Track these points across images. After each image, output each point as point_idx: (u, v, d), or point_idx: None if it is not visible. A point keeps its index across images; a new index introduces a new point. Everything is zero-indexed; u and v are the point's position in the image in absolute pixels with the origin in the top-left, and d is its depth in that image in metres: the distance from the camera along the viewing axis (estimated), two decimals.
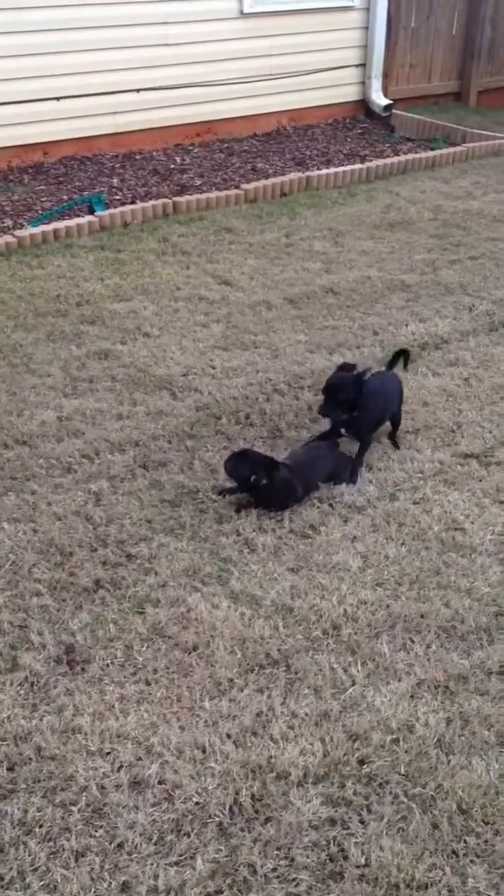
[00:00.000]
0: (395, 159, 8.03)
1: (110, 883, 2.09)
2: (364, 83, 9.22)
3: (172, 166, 7.64)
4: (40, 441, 3.87)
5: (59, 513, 3.42)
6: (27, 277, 5.52)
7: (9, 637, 2.85)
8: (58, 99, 7.26)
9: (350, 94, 9.23)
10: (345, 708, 2.56)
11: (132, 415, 4.08)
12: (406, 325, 5.05)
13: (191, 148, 8.09)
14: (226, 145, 8.25)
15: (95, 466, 3.70)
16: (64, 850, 2.17)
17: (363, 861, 2.10)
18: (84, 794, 2.31)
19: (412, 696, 2.60)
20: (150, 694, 2.62)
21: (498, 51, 10.55)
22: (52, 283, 5.43)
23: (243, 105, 8.38)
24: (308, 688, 2.63)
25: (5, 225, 6.22)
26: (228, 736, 2.45)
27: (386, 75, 9.34)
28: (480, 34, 10.16)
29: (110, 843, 2.18)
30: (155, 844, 2.17)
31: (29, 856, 2.16)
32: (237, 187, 7.08)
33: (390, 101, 9.23)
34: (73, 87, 7.29)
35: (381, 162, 7.90)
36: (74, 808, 2.27)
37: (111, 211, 6.42)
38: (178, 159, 7.82)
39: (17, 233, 6.00)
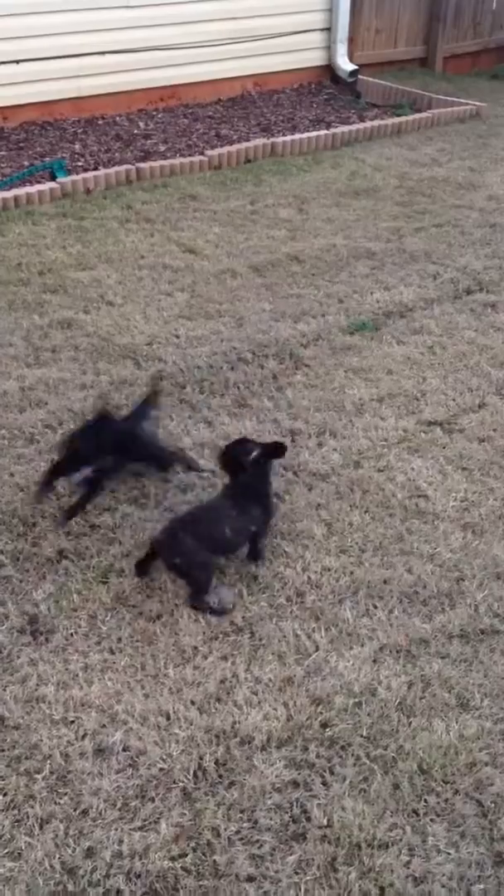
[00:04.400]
0: (361, 126, 7.96)
1: (74, 848, 2.10)
2: (329, 48, 9.10)
3: (136, 132, 7.51)
4: (2, 411, 3.82)
5: (21, 483, 3.39)
6: None
7: None
8: (17, 62, 7.09)
9: (315, 59, 9.11)
10: (308, 673, 2.58)
11: (96, 384, 4.04)
12: (371, 294, 5.04)
13: (154, 113, 7.96)
14: (190, 111, 8.13)
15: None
16: (28, 817, 2.18)
17: (325, 822, 2.13)
18: (48, 762, 2.32)
19: (375, 661, 2.63)
20: (114, 662, 2.62)
21: (464, 16, 10.47)
22: (13, 252, 5.34)
23: (207, 69, 8.24)
24: (272, 654, 2.65)
25: None
26: (192, 702, 2.46)
27: (351, 40, 9.23)
28: None
29: (75, 810, 2.20)
30: (119, 810, 2.19)
31: None
32: (201, 154, 6.98)
33: (356, 67, 9.14)
34: (33, 49, 7.12)
35: (346, 128, 7.83)
36: (39, 776, 2.28)
37: (73, 177, 6.30)
38: (141, 125, 7.69)
39: None
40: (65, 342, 4.39)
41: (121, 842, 2.11)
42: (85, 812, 2.19)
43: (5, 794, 2.24)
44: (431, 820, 2.15)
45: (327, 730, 2.39)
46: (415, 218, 6.18)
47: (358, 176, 6.96)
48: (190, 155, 6.96)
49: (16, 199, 5.94)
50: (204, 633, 2.72)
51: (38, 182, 6.22)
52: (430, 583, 2.96)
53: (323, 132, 7.67)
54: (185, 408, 3.89)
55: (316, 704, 2.46)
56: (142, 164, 6.61)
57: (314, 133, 7.63)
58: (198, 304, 4.83)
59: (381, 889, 1.98)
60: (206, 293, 4.95)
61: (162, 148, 7.17)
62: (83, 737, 2.39)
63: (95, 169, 6.57)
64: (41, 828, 2.16)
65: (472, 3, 10.52)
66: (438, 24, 10.11)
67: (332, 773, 2.27)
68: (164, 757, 2.31)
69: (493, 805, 2.20)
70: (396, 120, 8.17)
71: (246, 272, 5.23)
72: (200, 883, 2.00)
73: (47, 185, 6.12)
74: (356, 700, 2.49)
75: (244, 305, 4.83)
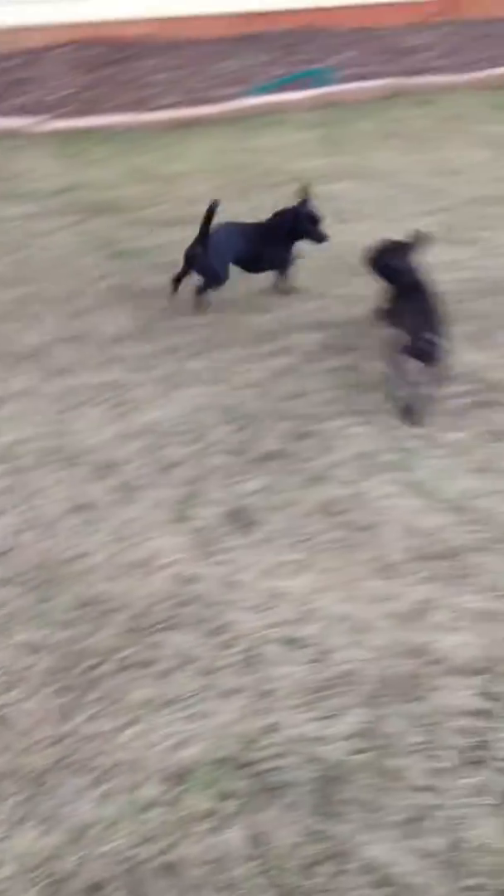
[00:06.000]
0: None
1: (256, 722, 2.18)
2: None
3: (409, 45, 7.24)
4: (233, 311, 3.91)
5: (248, 380, 3.47)
6: (243, 149, 5.48)
7: (184, 490, 2.96)
8: None
9: None
10: None
11: (326, 298, 4.03)
12: None
13: (436, 27, 7.59)
14: (479, 25, 7.66)
15: (287, 342, 3.71)
16: (217, 686, 2.29)
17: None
18: (241, 640, 2.41)
19: None
20: (315, 563, 2.66)
21: None
22: (266, 157, 5.38)
23: None
24: (475, 585, 2.58)
25: (227, 94, 6.17)
26: (390, 615, 2.46)
27: None
28: None
29: (260, 689, 2.27)
30: (304, 698, 2.24)
31: (185, 685, 2.29)
32: (482, 71, 6.60)
33: None
34: None
35: None
36: (230, 651, 2.38)
37: (337, 87, 6.22)
38: (417, 38, 7.39)
39: (238, 102, 5.94)
40: (307, 251, 4.38)
41: (301, 727, 2.16)
42: (270, 692, 2.26)
43: (199, 661, 2.36)
44: None
45: None
46: None
47: None
48: (468, 72, 6.61)
49: (277, 104, 5.95)
50: (409, 552, 2.69)
51: (301, 89, 6.19)
52: None
53: None
54: None
55: None
56: (411, 80, 6.38)
57: None
58: (450, 228, 4.66)
59: None
60: (461, 219, 4.76)
61: (438, 63, 6.87)
62: (277, 625, 2.46)
63: (362, 80, 6.42)
64: (227, 697, 2.26)
65: None
66: None
67: None
68: (354, 659, 2.33)
69: None
70: None
71: None
72: (373, 781, 2.02)
73: (309, 93, 6.07)
74: None
75: (499, 234, 4.60)
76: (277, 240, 4.02)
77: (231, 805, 2.00)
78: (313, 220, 3.99)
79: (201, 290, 3.92)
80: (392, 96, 6.28)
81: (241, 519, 2.85)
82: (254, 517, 2.85)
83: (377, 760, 2.07)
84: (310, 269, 4.24)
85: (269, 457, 3.11)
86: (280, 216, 4.03)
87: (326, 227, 4.12)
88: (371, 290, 4.04)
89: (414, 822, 1.94)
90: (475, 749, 2.11)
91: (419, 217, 4.76)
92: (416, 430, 3.20)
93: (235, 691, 2.28)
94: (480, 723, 2.17)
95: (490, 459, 3.09)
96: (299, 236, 4.04)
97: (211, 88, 6.30)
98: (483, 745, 2.11)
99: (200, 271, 3.91)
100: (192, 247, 3.88)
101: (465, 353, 3.62)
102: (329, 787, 2.03)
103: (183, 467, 3.07)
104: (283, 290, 4.12)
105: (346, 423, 3.26)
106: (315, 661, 2.35)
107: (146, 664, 2.36)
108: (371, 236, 4.50)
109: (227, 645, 2.40)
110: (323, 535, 2.77)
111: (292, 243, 4.06)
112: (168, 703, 2.24)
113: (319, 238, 4.02)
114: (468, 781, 2.02)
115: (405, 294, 3.36)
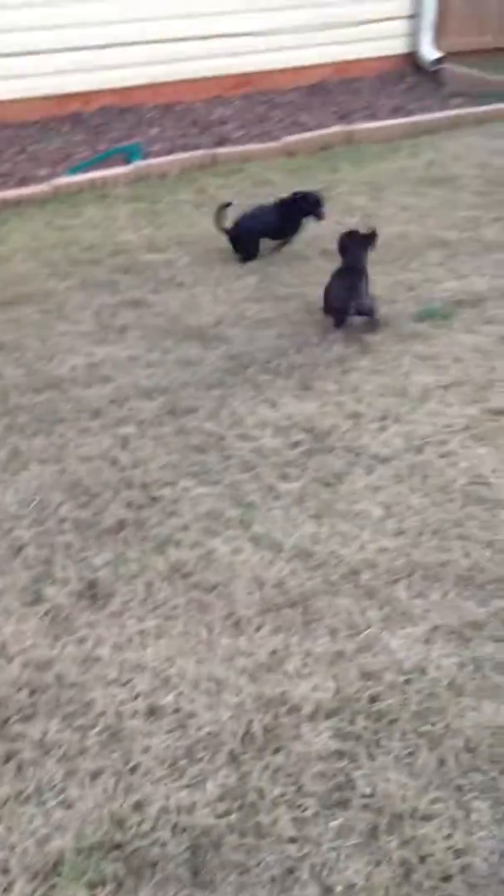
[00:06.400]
0: (443, 114, 7.86)
1: (123, 802, 2.16)
2: (414, 36, 9.00)
3: (212, 118, 7.58)
4: (70, 386, 3.93)
5: (86, 455, 3.48)
6: (62, 227, 5.55)
7: (34, 571, 2.93)
8: (99, 48, 7.22)
9: (399, 46, 9.02)
10: (360, 649, 2.59)
11: (162, 363, 4.12)
12: (442, 282, 4.99)
13: (232, 100, 8.01)
14: (268, 98, 8.16)
15: (124, 412, 3.75)
16: (80, 770, 2.25)
17: (369, 791, 2.15)
18: (101, 719, 2.39)
19: (426, 641, 2.63)
20: (168, 629, 2.68)
21: None
22: (87, 233, 5.47)
23: (287, 57, 8.26)
24: (324, 628, 2.67)
25: (42, 174, 6.25)
26: (244, 670, 2.51)
27: (438, 28, 9.11)
28: None
29: (125, 766, 2.26)
30: (168, 768, 2.24)
31: (47, 775, 2.24)
32: (277, 140, 7.01)
33: (441, 55, 9.02)
34: (112, 36, 7.24)
35: (427, 117, 7.75)
36: (92, 732, 2.35)
37: (149, 162, 6.41)
38: (218, 111, 7.75)
39: (54, 182, 6.02)
40: (134, 321, 4.48)
41: (168, 798, 2.16)
42: (135, 769, 2.25)
43: (60, 747, 2.32)
44: (475, 797, 2.15)
45: (375, 704, 2.40)
46: (493, 208, 6.08)
47: (436, 164, 6.89)
48: (265, 141, 6.99)
49: (91, 181, 6.08)
50: (258, 604, 2.76)
51: (114, 166, 6.35)
52: (488, 568, 2.94)
53: (402, 120, 7.62)
54: (248, 388, 3.93)
55: (365, 679, 2.48)
56: (217, 150, 6.67)
57: (393, 121, 7.58)
58: (267, 286, 4.87)
59: (421, 858, 1.99)
60: (277, 276, 4.99)
61: (238, 134, 7.23)
62: (136, 697, 2.45)
63: (171, 154, 6.66)
64: (92, 780, 2.23)
65: None
66: None
67: (378, 745, 2.28)
68: (214, 720, 2.35)
69: None
70: (480, 109, 8.03)
71: (316, 257, 5.24)
72: (243, 841, 2.04)
73: (123, 169, 6.23)
74: (406, 677, 2.49)
75: (313, 290, 4.83)
76: (292, 215, 5.27)
77: (104, 892, 1.97)
78: (318, 203, 5.25)
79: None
80: (203, 166, 6.55)
81: (93, 594, 2.84)
82: (106, 590, 2.85)
83: (245, 819, 2.10)
84: (145, 332, 4.33)
85: (115, 528, 3.13)
86: (293, 197, 5.26)
87: (157, 291, 4.20)
88: (199, 354, 4.17)
89: (286, 876, 1.97)
90: (338, 790, 2.17)
91: (243, 276, 4.96)
92: (253, 485, 3.30)
93: (99, 772, 2.26)
94: (340, 763, 2.23)
95: (326, 504, 3.22)
96: (306, 213, 5.25)
97: (29, 170, 6.38)
98: (345, 785, 2.17)
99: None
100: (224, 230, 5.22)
101: (291, 406, 3.78)
102: (201, 854, 2.03)
103: (31, 548, 3.04)
104: (281, 248, 5.37)
105: (188, 485, 3.32)
106: (176, 728, 2.36)
107: (5, 759, 2.30)
108: (200, 299, 4.68)
109: (87, 726, 2.38)
110: (175, 599, 2.80)
111: (301, 217, 5.29)
112: (30, 797, 2.19)
113: (320, 217, 5.26)
114: (334, 824, 2.08)
115: (350, 269, 4.51)
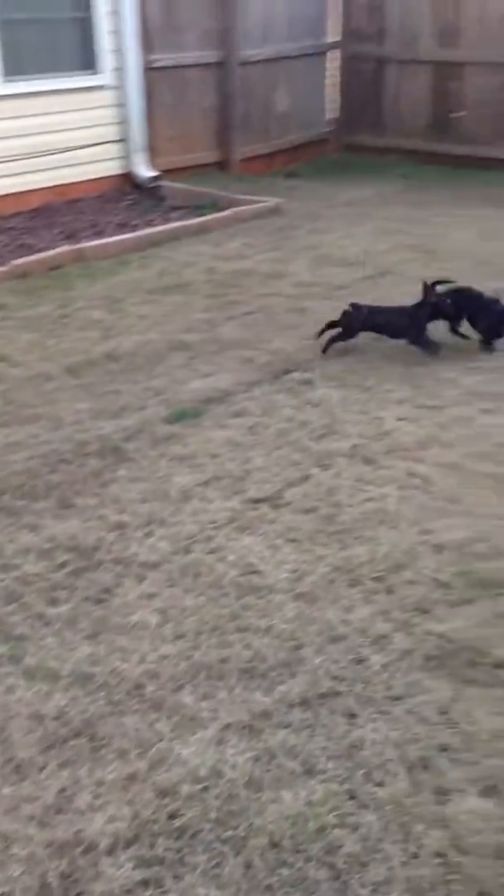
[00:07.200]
0: (166, 227, 8.27)
1: None
2: (127, 157, 9.48)
3: None
4: None
5: None
6: None
7: None
8: None
9: (114, 168, 9.45)
10: (152, 765, 2.51)
11: None
12: (189, 383, 5.16)
13: None
14: None
15: None
16: None
17: None
18: None
19: (219, 742, 2.60)
20: None
21: (252, 122, 11.18)
22: None
23: (6, 184, 8.40)
24: (114, 752, 2.56)
25: None
26: (31, 818, 2.34)
27: (151, 148, 9.65)
28: (234, 107, 10.75)
29: None
30: None
31: None
32: (5, 264, 7.02)
33: (156, 173, 9.54)
34: None
35: (152, 230, 8.11)
36: None
37: None
38: None
39: None
40: None
41: None
42: None
43: None
44: (286, 892, 2.11)
45: (175, 821, 2.32)
46: (226, 308, 6.42)
47: (167, 273, 7.19)
48: None
49: None
50: (40, 742, 2.60)
51: None
52: (269, 655, 2.98)
53: (129, 235, 7.91)
54: (3, 515, 3.79)
55: (162, 797, 2.40)
56: None
57: (120, 236, 7.85)
58: (12, 409, 4.78)
59: None
60: (21, 398, 4.92)
61: None
62: None
63: None
64: None
65: (259, 110, 11.27)
66: (230, 131, 10.75)
67: (182, 864, 2.20)
68: (5, 880, 2.16)
69: (345, 866, 2.19)
70: (200, 219, 8.54)
71: (61, 374, 5.24)
72: None
73: None
74: (203, 785, 2.44)
75: (61, 407, 4.82)
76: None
77: None
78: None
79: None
80: None
81: None
82: None
83: None
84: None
85: None
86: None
87: None
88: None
89: None
90: None
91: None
92: (19, 616, 3.15)
93: None
94: (147, 893, 2.12)
95: (100, 621, 3.14)
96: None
97: None
98: None
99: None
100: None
101: (52, 527, 3.69)
102: None
103: None
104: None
105: None
106: None
107: None
108: None
109: None
110: None
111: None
112: None
113: None
114: None
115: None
